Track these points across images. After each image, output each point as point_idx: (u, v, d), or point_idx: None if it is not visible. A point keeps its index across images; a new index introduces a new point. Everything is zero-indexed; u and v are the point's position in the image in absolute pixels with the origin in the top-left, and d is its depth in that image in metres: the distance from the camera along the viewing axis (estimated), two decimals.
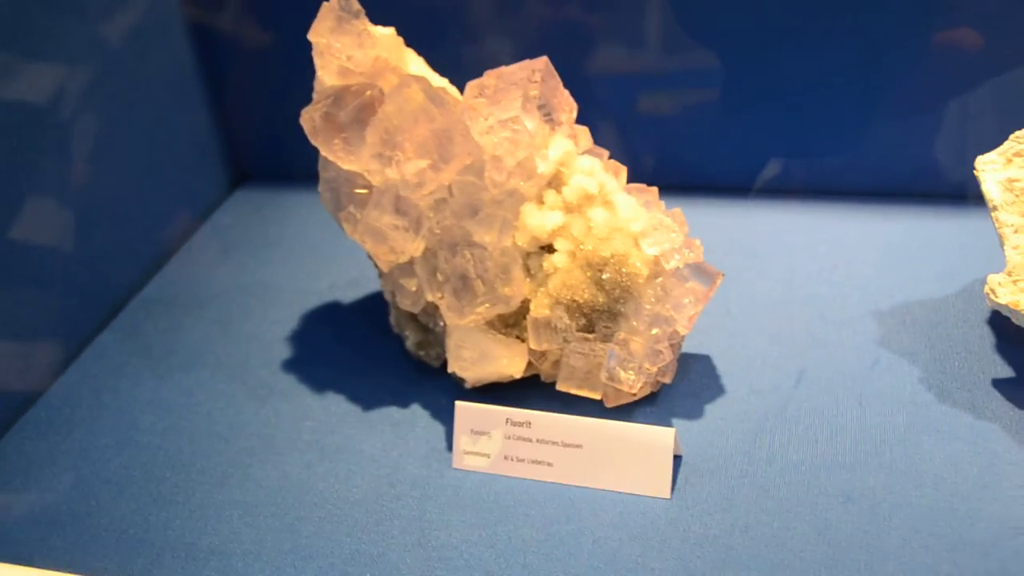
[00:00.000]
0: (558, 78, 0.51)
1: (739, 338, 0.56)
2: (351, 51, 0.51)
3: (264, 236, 0.73)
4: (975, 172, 0.51)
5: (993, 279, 0.48)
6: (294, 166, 0.80)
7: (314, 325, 0.62)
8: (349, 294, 0.64)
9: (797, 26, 0.63)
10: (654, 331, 0.49)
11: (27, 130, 0.58)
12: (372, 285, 0.65)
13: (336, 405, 0.55)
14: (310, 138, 0.51)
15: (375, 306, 0.62)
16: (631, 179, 0.54)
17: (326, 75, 0.52)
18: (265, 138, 0.80)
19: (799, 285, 0.60)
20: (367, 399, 0.55)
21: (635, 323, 0.49)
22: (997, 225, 0.49)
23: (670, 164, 0.71)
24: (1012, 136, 0.51)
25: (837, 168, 0.68)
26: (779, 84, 0.66)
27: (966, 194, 0.64)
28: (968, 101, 0.63)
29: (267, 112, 0.78)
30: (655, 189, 0.52)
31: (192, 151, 0.75)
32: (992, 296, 0.48)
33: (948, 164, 0.65)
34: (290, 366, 0.58)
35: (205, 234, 0.74)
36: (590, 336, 0.50)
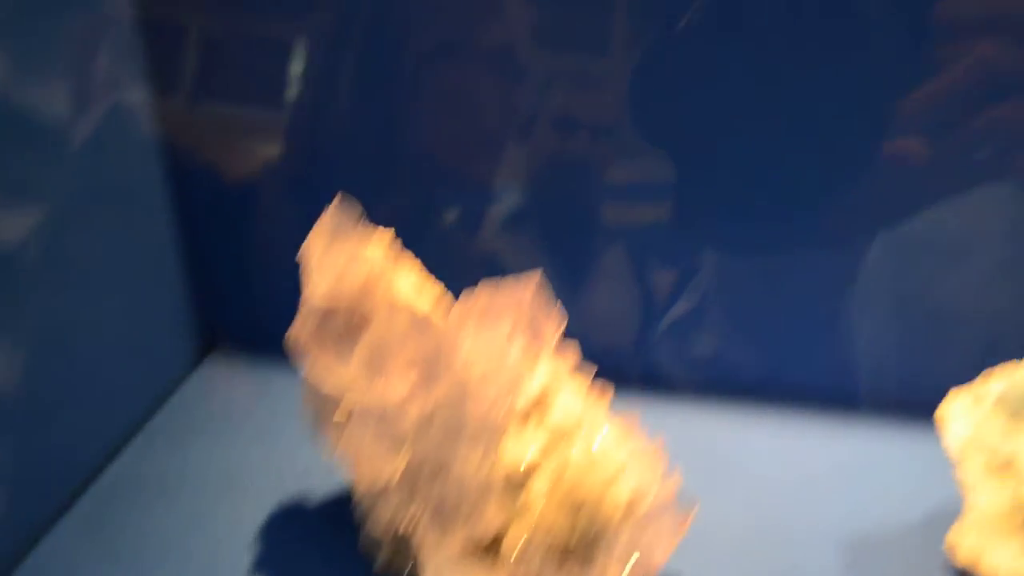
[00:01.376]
0: (549, 293, 0.52)
1: (710, 567, 0.56)
2: (341, 271, 0.52)
3: (235, 412, 0.72)
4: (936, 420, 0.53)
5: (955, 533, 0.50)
6: (266, 335, 0.80)
7: (287, 521, 0.60)
8: (327, 481, 0.63)
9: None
10: (629, 565, 0.49)
11: None
12: None
13: None
14: (294, 358, 0.52)
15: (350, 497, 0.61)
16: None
17: (313, 294, 0.52)
18: (235, 307, 0.79)
19: (766, 504, 0.61)
20: None
21: (610, 559, 0.49)
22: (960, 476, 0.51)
23: (634, 361, 0.72)
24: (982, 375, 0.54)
25: (803, 377, 0.70)
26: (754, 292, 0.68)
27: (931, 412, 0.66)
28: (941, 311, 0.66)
29: (237, 280, 0.78)
30: (636, 414, 0.53)
31: (158, 320, 0.73)
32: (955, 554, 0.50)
33: (915, 380, 0.67)
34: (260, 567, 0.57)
35: (172, 409, 0.73)
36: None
